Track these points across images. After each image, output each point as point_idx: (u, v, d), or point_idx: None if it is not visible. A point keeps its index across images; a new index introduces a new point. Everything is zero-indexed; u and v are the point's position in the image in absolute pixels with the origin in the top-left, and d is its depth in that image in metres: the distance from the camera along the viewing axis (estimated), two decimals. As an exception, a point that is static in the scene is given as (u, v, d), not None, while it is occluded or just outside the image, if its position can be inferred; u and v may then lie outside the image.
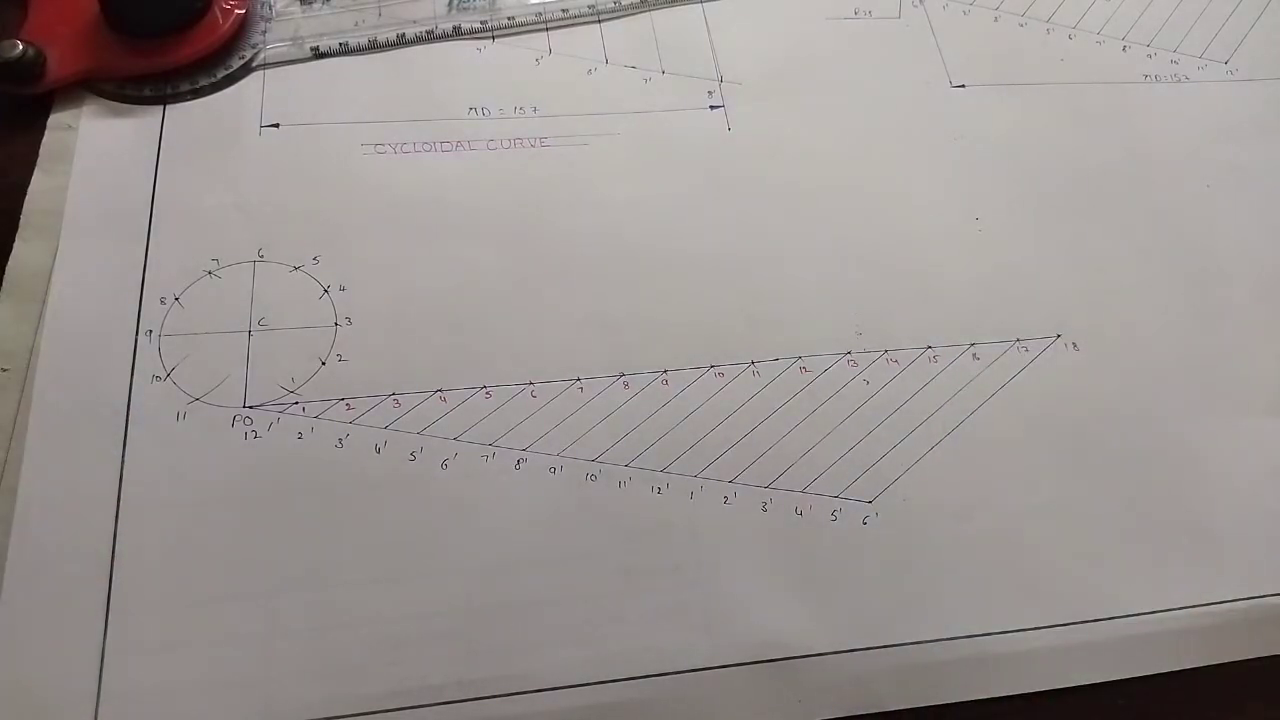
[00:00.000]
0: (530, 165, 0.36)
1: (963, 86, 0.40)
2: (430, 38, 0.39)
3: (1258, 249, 0.37)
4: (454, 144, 0.36)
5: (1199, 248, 0.37)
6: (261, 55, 0.38)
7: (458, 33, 0.39)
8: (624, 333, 0.33)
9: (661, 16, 0.41)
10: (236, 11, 0.37)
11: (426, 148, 0.36)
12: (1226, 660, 0.29)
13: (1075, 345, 0.34)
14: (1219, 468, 0.32)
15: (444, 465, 0.30)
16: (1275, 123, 0.40)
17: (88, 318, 0.32)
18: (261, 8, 0.39)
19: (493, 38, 0.39)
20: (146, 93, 0.36)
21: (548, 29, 0.40)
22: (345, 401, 0.31)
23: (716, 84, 0.39)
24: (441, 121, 0.37)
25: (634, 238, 0.35)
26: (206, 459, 0.30)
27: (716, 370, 0.33)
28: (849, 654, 0.28)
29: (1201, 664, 0.29)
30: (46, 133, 0.35)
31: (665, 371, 0.32)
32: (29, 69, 0.35)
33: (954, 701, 0.28)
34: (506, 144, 0.37)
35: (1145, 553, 0.31)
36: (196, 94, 0.37)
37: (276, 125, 0.36)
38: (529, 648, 0.28)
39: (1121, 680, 0.29)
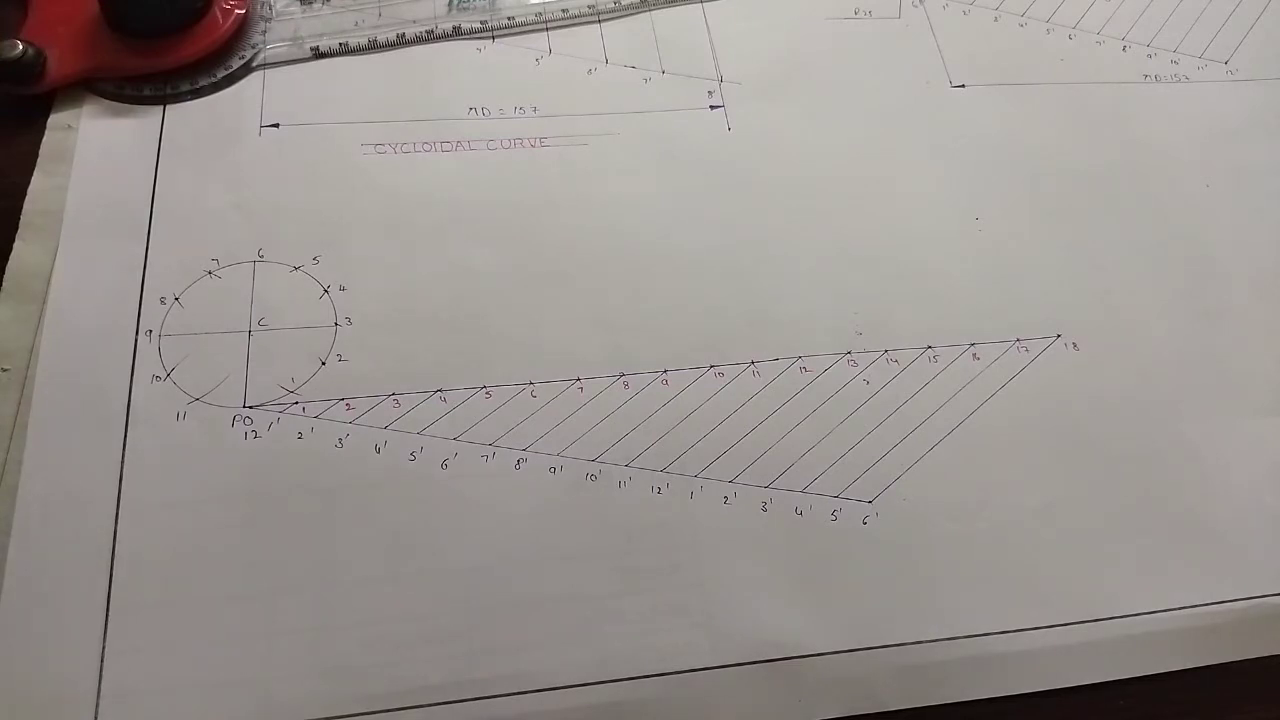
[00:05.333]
0: (530, 165, 0.36)
1: (963, 86, 0.40)
2: (430, 38, 0.39)
3: (1257, 249, 0.37)
4: (454, 144, 0.36)
5: (1199, 247, 0.37)
6: (261, 55, 0.38)
7: (458, 33, 0.39)
8: (624, 333, 0.33)
9: (661, 16, 0.41)
10: (236, 11, 0.37)
11: (426, 148, 0.36)
12: (1226, 660, 0.29)
13: (1075, 345, 0.34)
14: (1219, 467, 0.32)
15: (444, 465, 0.30)
16: (1275, 123, 0.40)
17: (88, 318, 0.32)
18: (261, 8, 0.39)
19: (493, 38, 0.39)
20: (146, 93, 0.36)
21: (548, 29, 0.40)
22: (345, 401, 0.31)
23: (716, 84, 0.39)
24: (441, 121, 0.37)
25: (634, 238, 0.35)
26: (206, 459, 0.30)
27: (716, 370, 0.33)
28: (849, 654, 0.28)
29: (1201, 664, 0.29)
30: (46, 133, 0.35)
31: (665, 371, 0.32)
32: (29, 69, 0.35)
33: (954, 701, 0.28)
34: (506, 144, 0.37)
35: (1145, 553, 0.31)
36: (196, 94, 0.37)
37: (276, 125, 0.36)
38: (529, 648, 0.28)
39: (1121, 680, 0.29)
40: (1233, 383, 0.34)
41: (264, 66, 0.37)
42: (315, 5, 0.39)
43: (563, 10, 0.40)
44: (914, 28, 0.41)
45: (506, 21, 0.39)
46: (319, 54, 0.38)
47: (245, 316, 0.32)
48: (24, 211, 0.33)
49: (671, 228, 0.35)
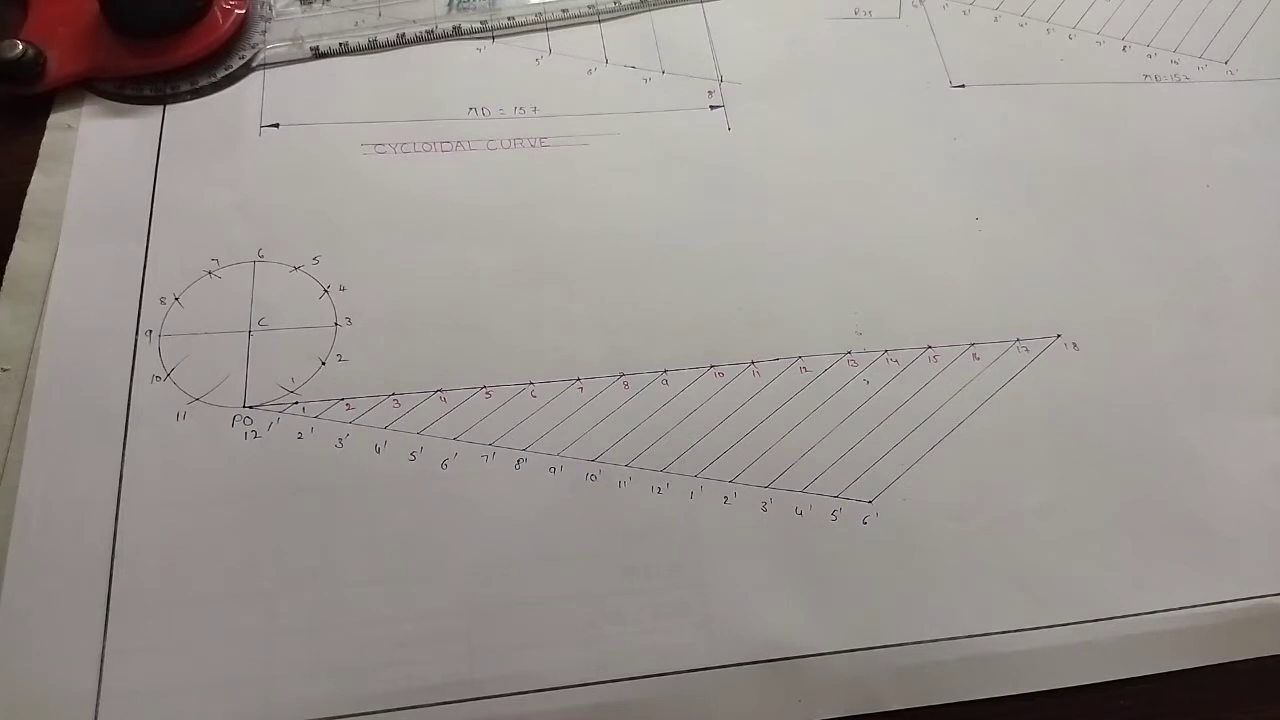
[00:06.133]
0: (530, 165, 0.36)
1: (963, 86, 0.40)
2: (430, 38, 0.39)
3: (1257, 249, 0.37)
4: (454, 144, 0.36)
5: (1199, 247, 0.37)
6: (261, 55, 0.38)
7: (458, 33, 0.39)
8: (624, 333, 0.33)
9: (661, 16, 0.41)
10: (236, 11, 0.37)
11: (426, 148, 0.36)
12: (1226, 660, 0.29)
13: (1075, 345, 0.34)
14: (1219, 467, 0.32)
15: (444, 465, 0.30)
16: (1275, 123, 0.40)
17: (88, 318, 0.32)
18: (261, 8, 0.39)
19: (493, 38, 0.39)
20: (146, 93, 0.36)
21: (548, 29, 0.40)
22: (345, 401, 0.31)
23: (716, 84, 0.39)
24: (441, 121, 0.37)
25: (634, 237, 0.35)
26: (206, 459, 0.30)
27: (716, 370, 0.33)
28: (849, 654, 0.28)
29: (1201, 664, 0.29)
30: (46, 133, 0.35)
31: (665, 371, 0.32)
32: (29, 69, 0.35)
33: (954, 701, 0.28)
34: (506, 144, 0.37)
35: (1145, 552, 0.31)
36: (196, 94, 0.37)
37: (276, 125, 0.36)
38: (529, 648, 0.28)
39: (1121, 680, 0.29)
40: (1232, 383, 0.34)
41: (264, 66, 0.37)
42: (315, 5, 0.39)
43: (563, 10, 0.40)
44: (914, 28, 0.41)
45: (506, 21, 0.39)
46: (319, 54, 0.38)
47: (245, 316, 0.32)
48: (24, 211, 0.33)
49: (671, 228, 0.35)
